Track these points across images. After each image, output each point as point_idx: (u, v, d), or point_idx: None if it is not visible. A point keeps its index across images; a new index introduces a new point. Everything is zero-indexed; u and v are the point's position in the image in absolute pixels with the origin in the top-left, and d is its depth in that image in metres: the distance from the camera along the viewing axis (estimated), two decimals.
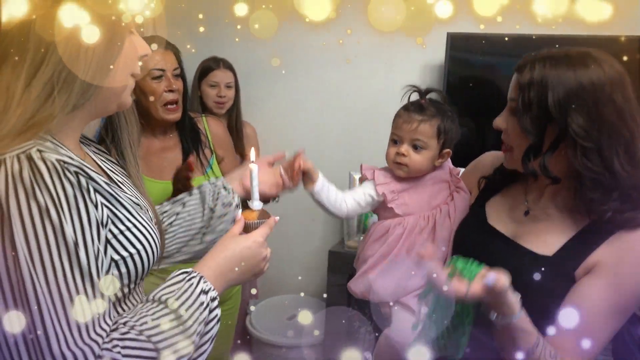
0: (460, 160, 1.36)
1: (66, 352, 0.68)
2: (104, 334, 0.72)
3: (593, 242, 0.97)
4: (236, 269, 0.90)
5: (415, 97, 1.30)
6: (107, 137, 1.03)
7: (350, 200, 1.29)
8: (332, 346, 2.31)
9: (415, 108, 1.25)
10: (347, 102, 2.58)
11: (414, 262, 1.20)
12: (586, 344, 0.92)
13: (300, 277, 2.79)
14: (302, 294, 2.77)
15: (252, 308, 2.63)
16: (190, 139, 1.76)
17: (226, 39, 2.59)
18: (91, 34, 0.75)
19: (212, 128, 1.85)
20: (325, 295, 2.43)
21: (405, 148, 1.24)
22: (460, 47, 2.20)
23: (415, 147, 1.24)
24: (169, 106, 1.66)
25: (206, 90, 2.43)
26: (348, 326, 2.27)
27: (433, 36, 2.28)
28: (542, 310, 0.97)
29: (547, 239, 1.03)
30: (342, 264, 2.27)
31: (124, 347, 0.72)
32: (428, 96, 1.28)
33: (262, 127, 2.64)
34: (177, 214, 1.13)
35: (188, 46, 2.22)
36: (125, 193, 0.89)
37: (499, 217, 1.13)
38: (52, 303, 0.68)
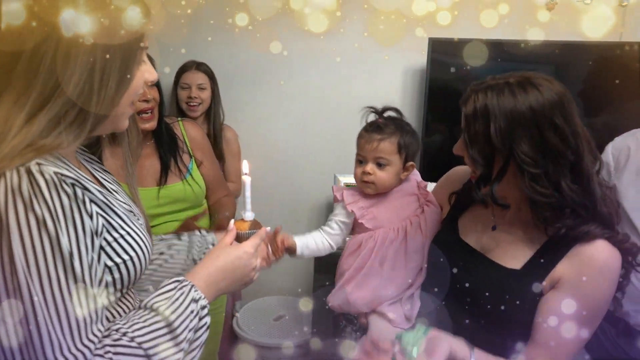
0: (445, 165, 1.41)
1: (59, 357, 0.71)
2: (96, 340, 0.75)
3: (555, 256, 1.02)
4: (226, 278, 0.93)
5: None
6: (110, 144, 1.05)
7: (330, 237, 1.38)
8: (318, 345, 2.35)
9: (374, 128, 1.30)
10: (331, 105, 2.62)
11: (387, 274, 1.25)
12: (557, 357, 0.98)
13: (286, 278, 2.83)
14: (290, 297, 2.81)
15: (239, 310, 2.65)
16: (167, 146, 1.76)
17: (208, 44, 2.60)
18: (104, 71, 0.77)
19: (189, 132, 1.85)
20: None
21: (370, 167, 1.29)
22: (442, 52, 2.26)
23: (379, 165, 1.29)
24: (143, 115, 1.66)
25: (179, 93, 2.43)
26: (334, 325, 2.31)
27: (415, 41, 2.34)
28: (513, 322, 1.02)
29: (514, 253, 1.07)
30: (328, 264, 2.30)
31: (115, 353, 0.75)
32: (387, 114, 1.34)
33: (245, 131, 2.66)
34: (161, 253, 1.16)
35: (183, 50, 2.23)
36: (119, 201, 0.92)
37: (469, 231, 1.17)
38: (47, 310, 0.71)
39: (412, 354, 0.94)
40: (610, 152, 1.68)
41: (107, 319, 0.86)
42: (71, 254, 0.73)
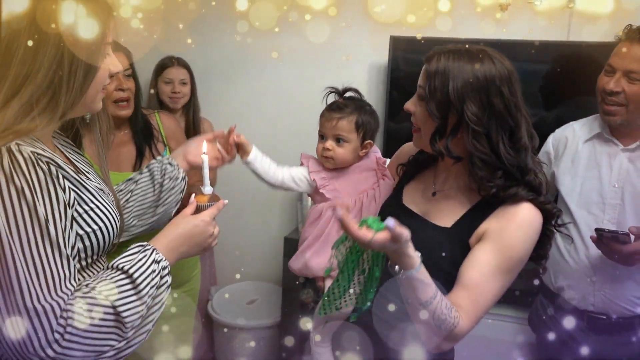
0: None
1: (37, 305, 0.83)
2: (69, 292, 0.87)
3: (483, 214, 1.14)
4: (185, 244, 1.06)
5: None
6: (82, 130, 1.17)
7: (287, 173, 1.45)
8: (287, 326, 2.47)
9: (334, 107, 1.43)
10: (300, 100, 2.72)
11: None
12: (478, 299, 1.09)
13: (258, 265, 2.94)
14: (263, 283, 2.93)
15: (214, 294, 2.77)
16: (143, 134, 1.87)
17: (184, 40, 2.70)
18: (74, 63, 0.89)
19: (164, 122, 1.97)
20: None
21: (329, 143, 1.41)
22: (402, 48, 2.39)
23: (338, 141, 1.41)
24: (119, 103, 1.77)
25: (161, 87, 2.55)
26: (301, 308, 2.44)
27: (378, 38, 2.47)
28: (445, 274, 1.13)
29: (448, 214, 1.19)
30: (297, 249, 2.42)
31: (85, 303, 0.87)
32: (348, 94, 1.46)
33: (220, 123, 2.76)
34: (132, 191, 1.29)
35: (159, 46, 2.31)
36: (90, 180, 1.04)
37: (412, 198, 1.30)
38: (27, 267, 0.83)
39: (378, 228, 0.98)
40: (551, 142, 1.82)
41: (82, 277, 0.98)
42: (47, 220, 0.85)
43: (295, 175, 1.46)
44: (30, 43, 0.86)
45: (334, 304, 1.20)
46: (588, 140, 1.70)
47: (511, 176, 1.12)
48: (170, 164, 1.31)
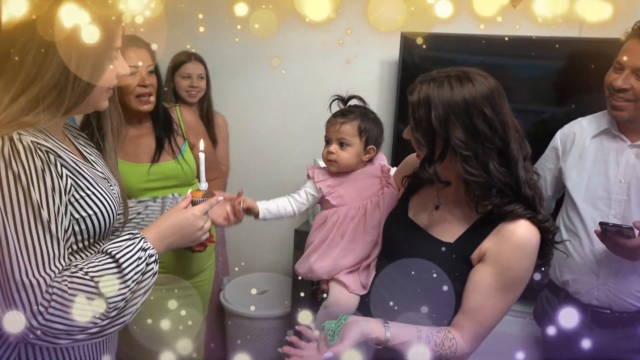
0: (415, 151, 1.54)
1: (25, 279, 0.90)
2: (56, 271, 0.93)
3: (484, 232, 1.16)
4: (174, 235, 1.12)
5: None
6: (92, 124, 1.24)
7: (294, 202, 1.55)
8: (297, 316, 2.51)
9: (339, 113, 1.49)
10: (310, 95, 2.75)
11: (347, 246, 1.42)
12: (480, 322, 1.13)
13: (269, 256, 2.99)
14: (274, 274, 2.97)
15: (226, 284, 2.83)
16: (163, 128, 1.92)
17: (198, 35, 2.75)
18: (80, 66, 0.95)
19: (184, 117, 2.01)
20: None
21: (333, 147, 1.47)
22: (413, 45, 2.40)
23: (342, 145, 1.47)
24: (141, 98, 1.82)
25: (179, 82, 2.59)
26: (312, 298, 2.47)
27: (389, 35, 2.47)
28: (447, 289, 1.16)
29: (450, 229, 1.21)
30: (306, 242, 2.47)
31: (71, 282, 0.94)
32: (353, 102, 1.52)
33: (233, 117, 2.82)
34: (139, 213, 1.35)
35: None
36: (95, 168, 1.12)
37: (416, 211, 1.32)
38: (18, 245, 0.90)
39: (331, 341, 1.11)
40: (559, 137, 1.83)
41: (74, 259, 1.03)
42: (40, 204, 0.92)
43: (302, 198, 1.55)
44: (41, 46, 0.92)
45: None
46: (596, 136, 1.71)
47: (506, 193, 1.13)
48: None
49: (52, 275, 0.93)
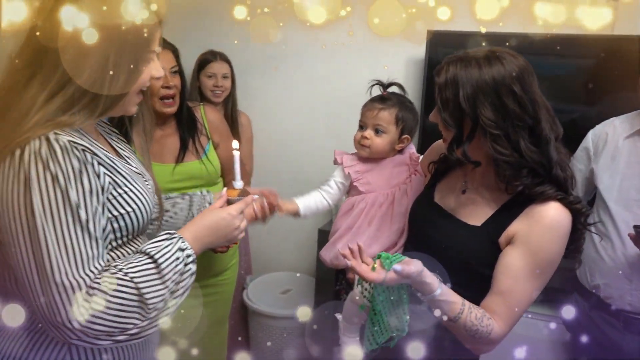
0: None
1: (65, 281, 0.89)
2: (95, 271, 0.93)
3: (512, 214, 1.14)
4: (211, 235, 1.10)
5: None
6: (129, 124, 1.25)
7: (327, 195, 1.52)
8: (319, 315, 2.50)
9: (377, 99, 1.48)
10: (335, 92, 2.74)
11: (374, 233, 1.41)
12: (512, 304, 1.10)
13: (293, 256, 2.99)
14: (297, 274, 2.98)
15: (249, 283, 2.83)
16: (187, 128, 1.93)
17: (224, 35, 2.77)
18: (117, 68, 0.95)
19: (209, 116, 2.02)
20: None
21: (368, 132, 1.46)
22: (440, 43, 2.37)
23: (377, 132, 1.45)
24: (165, 100, 1.82)
25: (204, 81, 2.61)
26: (335, 298, 2.47)
27: (415, 33, 2.44)
28: (475, 273, 1.15)
29: (477, 213, 1.20)
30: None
31: (110, 283, 0.93)
32: (392, 89, 1.50)
33: (257, 116, 2.82)
34: (167, 210, 1.35)
35: (198, 40, 2.37)
36: (130, 165, 1.12)
37: (443, 195, 1.31)
38: (58, 246, 0.90)
39: (388, 267, 1.09)
40: (591, 138, 1.79)
41: (113, 260, 1.04)
42: (78, 205, 0.92)
43: (334, 189, 1.52)
44: (80, 46, 0.92)
45: (377, 338, 1.22)
46: (629, 136, 1.67)
47: (537, 173, 1.11)
48: (210, 203, 1.40)
49: (92, 275, 0.92)
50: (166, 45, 1.86)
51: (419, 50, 2.46)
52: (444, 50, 2.37)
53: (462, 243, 1.17)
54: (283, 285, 2.85)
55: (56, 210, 0.89)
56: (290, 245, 3.00)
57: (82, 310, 0.89)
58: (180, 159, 1.90)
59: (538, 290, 1.13)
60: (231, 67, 2.66)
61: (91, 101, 0.96)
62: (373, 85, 1.51)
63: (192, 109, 1.99)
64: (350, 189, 1.52)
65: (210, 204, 1.39)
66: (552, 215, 1.10)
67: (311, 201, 1.52)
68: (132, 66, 0.97)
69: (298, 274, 2.93)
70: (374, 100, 1.48)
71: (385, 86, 1.51)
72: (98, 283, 0.92)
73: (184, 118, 1.94)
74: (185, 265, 1.03)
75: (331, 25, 2.61)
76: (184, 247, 1.04)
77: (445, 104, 1.12)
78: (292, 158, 2.91)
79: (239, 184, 1.23)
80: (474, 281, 1.15)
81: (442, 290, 1.08)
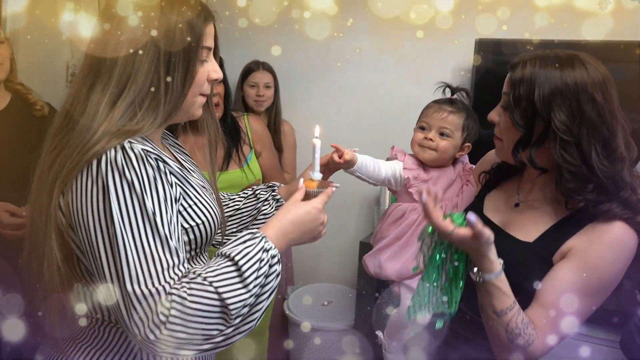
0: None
1: (145, 289, 0.87)
2: (175, 278, 0.90)
3: (570, 231, 1.07)
4: (296, 231, 1.02)
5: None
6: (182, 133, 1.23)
7: (389, 169, 1.40)
8: (361, 329, 2.46)
9: (446, 101, 1.42)
10: (381, 103, 2.71)
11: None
12: (556, 320, 1.02)
13: (334, 267, 2.95)
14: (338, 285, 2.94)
15: (289, 293, 2.81)
16: (230, 136, 1.95)
17: (268, 45, 2.79)
18: (169, 66, 0.95)
19: (252, 125, 2.05)
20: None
21: (432, 134, 1.39)
22: (488, 51, 2.30)
23: (442, 135, 1.39)
24: None
25: (247, 90, 2.64)
26: (376, 312, 2.41)
27: (463, 41, 2.40)
28: (524, 292, 1.07)
29: (530, 228, 1.13)
30: None
31: (190, 288, 0.89)
32: (455, 97, 1.45)
33: (301, 125, 2.82)
34: (238, 209, 1.33)
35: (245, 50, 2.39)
36: (194, 177, 1.10)
37: (494, 208, 1.24)
38: (136, 254, 0.88)
39: (463, 222, 1.02)
40: None
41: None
42: (154, 213, 0.90)
43: (394, 169, 1.40)
44: (130, 45, 0.92)
45: (424, 307, 1.16)
46: None
47: (604, 190, 1.03)
48: (275, 199, 1.33)
49: (172, 282, 0.89)
50: None
51: (466, 60, 2.40)
52: (493, 58, 2.30)
53: (511, 260, 1.09)
54: (324, 296, 2.81)
55: (134, 218, 0.89)
56: (332, 257, 2.97)
57: (161, 318, 0.86)
58: (225, 167, 1.91)
59: (587, 311, 1.05)
60: (274, 76, 2.67)
61: (151, 104, 0.95)
62: (441, 87, 1.47)
63: (236, 118, 2.01)
64: (401, 194, 1.45)
65: (275, 199, 1.32)
66: (616, 234, 1.02)
67: (369, 162, 1.39)
68: (184, 63, 0.96)
69: (339, 285, 2.90)
70: (441, 102, 1.43)
71: (453, 88, 1.46)
72: (177, 289, 0.88)
73: (228, 127, 1.96)
74: (270, 266, 0.96)
75: (377, 34, 2.58)
76: (268, 247, 0.97)
77: (518, 101, 1.06)
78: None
79: (317, 175, 1.14)
80: (522, 302, 1.07)
81: (501, 276, 1.02)
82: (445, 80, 2.55)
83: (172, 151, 1.16)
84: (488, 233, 0.99)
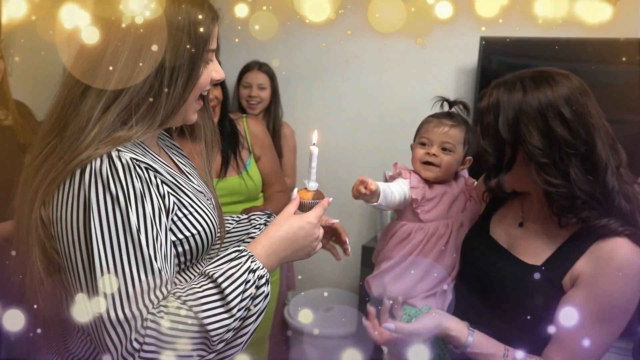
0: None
1: (120, 314, 0.81)
2: (155, 301, 0.84)
3: (576, 252, 1.02)
4: (288, 248, 0.94)
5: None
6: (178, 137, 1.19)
7: (400, 191, 1.32)
8: (364, 336, 2.40)
9: (444, 115, 1.36)
10: (383, 105, 2.66)
11: (426, 267, 1.29)
12: (574, 355, 0.99)
13: (335, 272, 2.90)
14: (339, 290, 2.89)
15: (290, 299, 2.76)
16: (228, 142, 1.88)
17: (267, 45, 2.73)
18: (174, 69, 0.88)
19: (251, 128, 1.98)
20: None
21: (435, 149, 1.33)
22: (494, 51, 2.24)
23: (444, 150, 1.33)
24: None
25: (240, 91, 2.59)
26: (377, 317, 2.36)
27: (466, 40, 2.34)
28: (534, 317, 1.03)
29: (537, 249, 1.08)
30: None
31: (167, 313, 0.83)
32: (455, 107, 1.39)
33: (302, 128, 2.77)
34: (228, 231, 1.26)
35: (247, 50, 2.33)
36: (192, 182, 1.04)
37: (499, 228, 1.20)
38: (116, 275, 0.82)
39: (405, 320, 1.09)
40: None
41: (175, 284, 0.94)
42: (138, 230, 0.84)
43: (404, 191, 1.33)
44: (133, 48, 0.86)
45: None
46: None
47: (595, 204, 1.00)
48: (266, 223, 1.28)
49: (150, 306, 0.83)
50: None
51: (471, 59, 2.34)
52: (499, 58, 2.25)
53: (518, 284, 1.06)
54: (325, 302, 2.76)
55: (115, 236, 0.82)
56: (333, 261, 2.90)
57: (135, 345, 0.81)
58: (222, 174, 1.85)
59: (607, 340, 1.01)
60: (270, 77, 2.61)
61: (150, 110, 0.89)
62: (439, 101, 1.40)
63: (234, 121, 1.94)
64: (405, 213, 1.38)
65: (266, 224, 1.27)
66: (622, 256, 0.98)
67: (386, 189, 1.30)
68: (190, 66, 0.90)
69: (341, 291, 2.85)
70: (440, 116, 1.37)
71: (451, 103, 1.40)
72: (154, 314, 0.83)
73: (226, 131, 1.89)
74: (257, 288, 0.89)
75: (376, 33, 2.52)
76: (255, 266, 0.89)
77: (486, 130, 1.05)
78: (337, 171, 2.82)
79: (313, 184, 1.04)
80: (532, 327, 1.04)
81: (473, 341, 1.04)
82: (449, 81, 2.54)
83: (170, 154, 1.09)
84: (412, 329, 1.05)
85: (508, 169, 1.05)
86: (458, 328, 1.04)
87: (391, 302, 1.17)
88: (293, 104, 2.80)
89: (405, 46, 2.52)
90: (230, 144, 1.89)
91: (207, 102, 1.10)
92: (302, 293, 2.84)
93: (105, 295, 0.81)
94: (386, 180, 1.41)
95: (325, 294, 2.84)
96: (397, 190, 1.32)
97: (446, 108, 1.41)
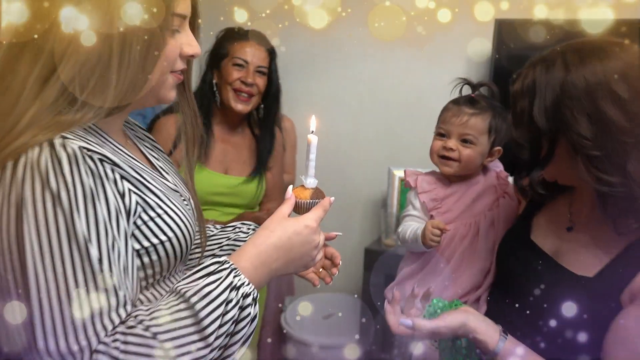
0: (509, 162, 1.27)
1: (62, 347, 0.65)
2: (109, 327, 0.68)
3: (636, 264, 0.86)
4: (280, 258, 0.79)
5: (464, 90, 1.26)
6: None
7: (415, 225, 1.23)
8: (367, 343, 2.26)
9: (465, 101, 1.21)
10: (387, 95, 2.52)
11: (450, 272, 1.17)
12: None
13: (336, 275, 2.75)
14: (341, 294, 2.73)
15: (287, 304, 2.61)
16: (269, 140, 1.92)
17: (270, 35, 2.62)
18: (126, 33, 0.70)
19: (287, 130, 2.05)
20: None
21: (453, 142, 1.19)
22: (510, 36, 2.05)
23: (464, 142, 1.19)
24: (239, 94, 1.75)
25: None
26: (383, 326, 2.21)
27: (480, 25, 2.16)
28: (583, 340, 0.87)
29: (589, 258, 0.92)
30: (378, 262, 2.22)
31: (124, 342, 0.67)
32: (477, 92, 1.24)
33: (301, 120, 2.62)
34: (229, 237, 1.10)
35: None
36: (164, 179, 0.87)
37: (542, 232, 1.04)
38: (57, 295, 0.65)
39: (427, 315, 0.97)
40: None
41: (141, 302, 0.79)
42: (86, 238, 0.67)
43: (420, 217, 1.25)
44: (70, 13, 0.68)
45: None
46: None
47: None
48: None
49: (102, 334, 0.67)
50: (264, 42, 1.84)
51: (485, 45, 2.17)
52: (516, 43, 2.06)
53: (565, 299, 0.89)
54: (326, 308, 2.60)
55: (57, 246, 0.65)
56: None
57: None
58: (252, 173, 1.87)
59: None
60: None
61: (99, 85, 0.71)
62: (459, 84, 1.25)
63: (280, 120, 1.98)
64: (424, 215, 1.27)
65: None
66: None
67: (411, 234, 1.23)
68: (148, 32, 0.72)
69: (343, 295, 2.69)
70: (460, 102, 1.21)
71: (475, 86, 1.24)
72: (106, 344, 0.66)
73: (269, 129, 1.91)
74: (242, 309, 0.73)
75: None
76: (239, 282, 0.73)
77: (519, 118, 0.89)
78: (339, 165, 2.69)
79: (311, 180, 0.89)
80: (582, 349, 0.88)
81: (504, 348, 0.89)
82: (460, 69, 2.36)
83: (140, 146, 0.92)
84: (434, 327, 0.91)
85: (544, 165, 0.90)
86: (487, 331, 0.91)
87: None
88: (291, 97, 2.64)
89: (411, 35, 2.36)
90: (265, 142, 1.90)
91: (187, 81, 0.92)
92: (301, 298, 2.69)
93: (42, 322, 0.64)
94: (407, 184, 1.30)
95: (325, 299, 2.68)
96: (410, 230, 1.22)
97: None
